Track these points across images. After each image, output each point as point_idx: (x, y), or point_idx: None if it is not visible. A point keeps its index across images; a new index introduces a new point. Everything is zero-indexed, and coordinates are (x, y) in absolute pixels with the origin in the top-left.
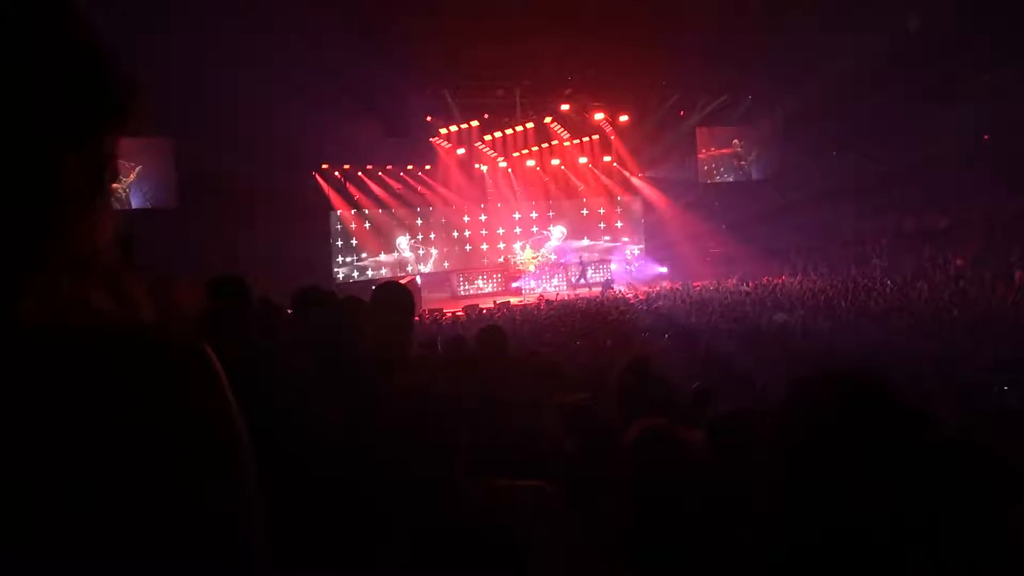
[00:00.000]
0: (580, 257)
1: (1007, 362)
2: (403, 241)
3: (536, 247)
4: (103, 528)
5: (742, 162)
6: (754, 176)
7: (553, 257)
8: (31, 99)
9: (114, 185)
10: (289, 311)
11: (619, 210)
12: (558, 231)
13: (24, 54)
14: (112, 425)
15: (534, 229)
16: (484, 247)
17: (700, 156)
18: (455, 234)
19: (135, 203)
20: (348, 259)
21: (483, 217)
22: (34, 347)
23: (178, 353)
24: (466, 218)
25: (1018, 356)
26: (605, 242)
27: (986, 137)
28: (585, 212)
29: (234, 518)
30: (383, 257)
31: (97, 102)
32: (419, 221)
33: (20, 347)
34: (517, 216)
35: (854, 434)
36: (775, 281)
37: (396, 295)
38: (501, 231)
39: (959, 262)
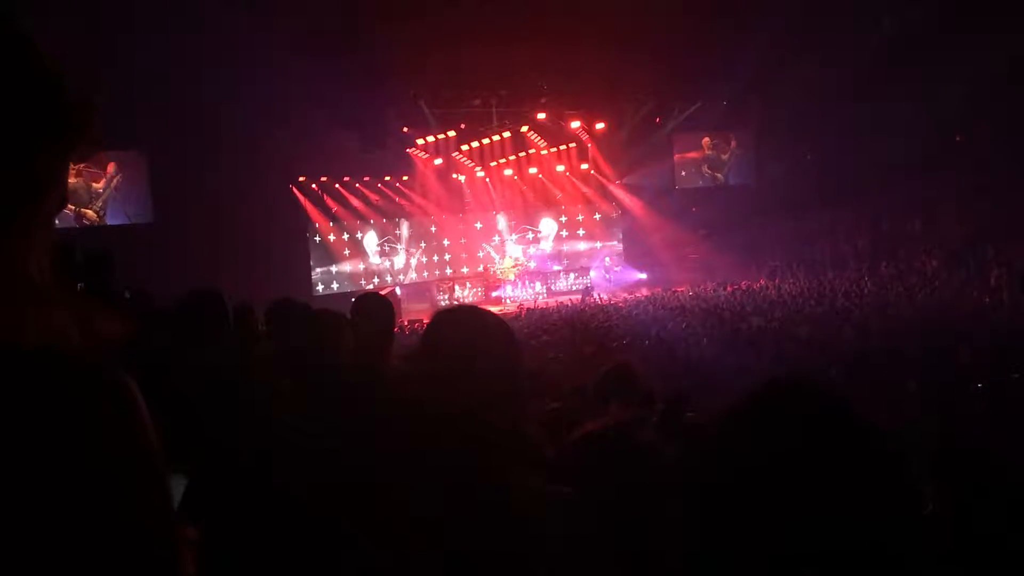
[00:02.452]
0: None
1: (985, 362)
2: (371, 242)
3: (524, 249)
4: (16, 558)
5: (718, 167)
6: (730, 181)
7: (533, 264)
8: None
9: (62, 210)
10: (265, 324)
11: (597, 217)
12: (549, 225)
13: None
14: (23, 456)
15: (528, 230)
16: (463, 256)
17: (676, 162)
18: (434, 244)
19: (112, 220)
20: (327, 271)
21: (462, 226)
22: None
23: (92, 381)
24: (440, 228)
25: (995, 356)
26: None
27: (958, 139)
28: (564, 219)
29: (147, 545)
30: (362, 268)
31: (36, 120)
32: (398, 232)
33: None
34: (497, 226)
35: (804, 448)
36: (753, 286)
37: (375, 307)
38: (479, 229)
39: (934, 263)
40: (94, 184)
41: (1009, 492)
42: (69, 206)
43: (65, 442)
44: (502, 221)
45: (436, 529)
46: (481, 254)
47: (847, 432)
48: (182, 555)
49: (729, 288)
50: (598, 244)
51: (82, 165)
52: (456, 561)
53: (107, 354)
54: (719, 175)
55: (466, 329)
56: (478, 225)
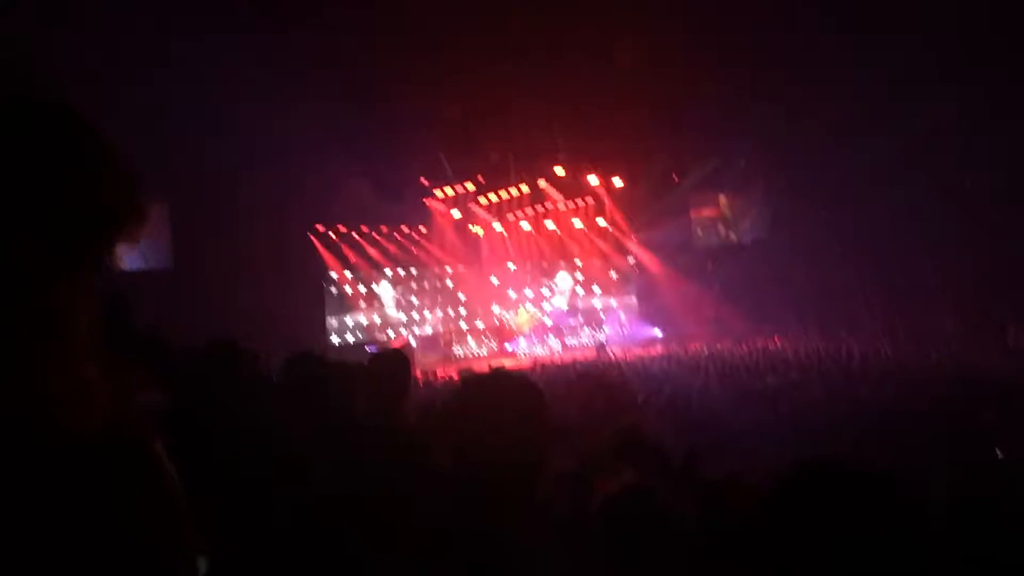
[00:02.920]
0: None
1: (1005, 423)
2: (387, 292)
3: (538, 303)
4: None
5: (734, 226)
6: (747, 240)
7: (549, 322)
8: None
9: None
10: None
11: (613, 273)
12: (565, 279)
13: (20, 151)
14: (62, 525)
15: (544, 284)
16: (478, 308)
17: (693, 219)
18: (449, 295)
19: (131, 265)
20: (342, 320)
21: (477, 278)
22: None
23: (123, 454)
24: (456, 279)
25: (1015, 418)
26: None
27: (967, 185)
28: (580, 276)
29: None
30: (377, 319)
31: (88, 201)
32: (413, 284)
33: None
34: (512, 278)
35: (847, 526)
36: (768, 344)
37: (389, 362)
38: (495, 283)
39: (950, 322)
40: None
41: None
42: None
43: (101, 513)
44: (517, 274)
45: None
46: (496, 307)
47: (892, 512)
48: None
49: (744, 346)
50: (613, 300)
51: None
52: None
53: (139, 415)
54: (735, 233)
55: (502, 400)
56: (494, 279)
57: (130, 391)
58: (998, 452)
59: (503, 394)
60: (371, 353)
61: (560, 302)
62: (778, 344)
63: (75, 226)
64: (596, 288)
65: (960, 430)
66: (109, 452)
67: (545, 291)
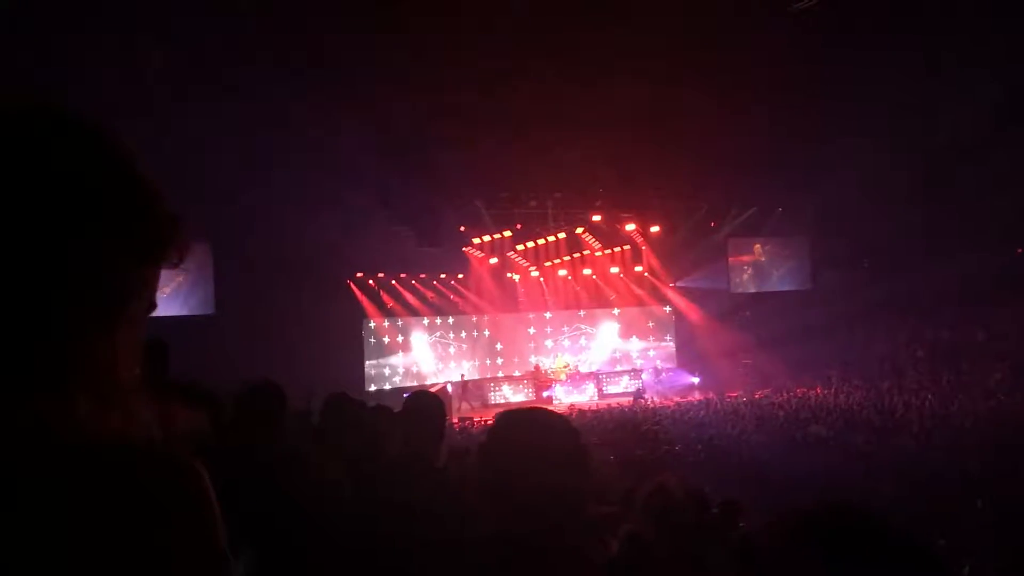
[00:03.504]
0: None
1: None
2: (423, 338)
3: (576, 351)
4: None
5: (772, 273)
6: (785, 287)
7: (585, 365)
8: (64, 234)
9: (151, 313)
10: (320, 418)
11: (650, 320)
12: (604, 327)
13: (64, 188)
14: (106, 542)
15: (581, 331)
16: (515, 355)
17: (731, 265)
18: (486, 342)
19: (173, 311)
20: (380, 366)
21: (515, 325)
22: (34, 465)
23: (170, 474)
24: (493, 326)
25: None
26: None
27: (1019, 251)
28: (618, 323)
29: None
30: (414, 365)
31: (131, 237)
32: (451, 331)
33: (28, 464)
34: (548, 326)
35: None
36: (809, 393)
37: (425, 403)
38: (532, 330)
39: (997, 376)
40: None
41: None
42: None
43: (144, 531)
44: (554, 321)
45: None
46: (533, 353)
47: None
48: None
49: (785, 395)
50: (651, 347)
51: None
52: None
53: (182, 445)
54: (773, 280)
55: (532, 429)
56: (531, 327)
57: (172, 420)
58: None
59: (540, 431)
60: (407, 396)
61: (597, 349)
62: (819, 393)
63: (115, 254)
64: (634, 335)
65: (1009, 486)
66: (154, 466)
67: (582, 339)
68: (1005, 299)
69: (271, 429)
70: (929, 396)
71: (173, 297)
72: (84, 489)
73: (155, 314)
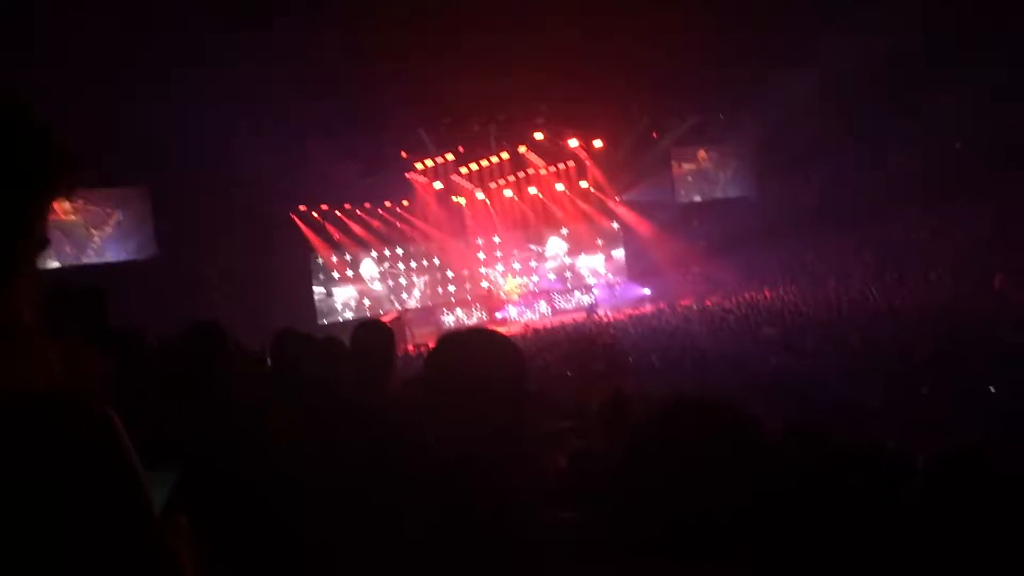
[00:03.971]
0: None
1: (991, 364)
2: (373, 268)
3: (526, 270)
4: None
5: (717, 181)
6: (731, 194)
7: (536, 282)
8: None
9: (45, 249)
10: (269, 354)
11: (598, 234)
12: (552, 245)
13: None
14: (11, 488)
15: (531, 250)
16: (466, 278)
17: (675, 176)
18: (437, 267)
19: (112, 256)
20: (330, 299)
21: (464, 249)
22: None
23: (77, 419)
24: (442, 251)
25: (1001, 359)
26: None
27: (957, 145)
28: (565, 232)
29: (135, 558)
30: (365, 295)
31: (11, 167)
32: (400, 258)
33: None
34: (498, 245)
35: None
36: (757, 298)
37: (374, 335)
38: (482, 258)
39: (938, 271)
40: (93, 229)
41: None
42: (68, 245)
43: (52, 478)
44: (503, 242)
45: (434, 554)
46: (484, 272)
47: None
48: (167, 557)
49: (734, 301)
50: (601, 262)
51: (82, 203)
52: None
53: (92, 390)
54: (718, 188)
55: (471, 352)
56: (481, 251)
57: (94, 367)
58: (991, 389)
59: (479, 349)
60: (355, 328)
61: (548, 267)
62: (768, 297)
63: None
64: (583, 251)
65: (947, 370)
66: (59, 415)
67: (532, 259)
68: (947, 197)
69: (217, 371)
70: (873, 293)
71: (111, 242)
72: None
73: (93, 260)
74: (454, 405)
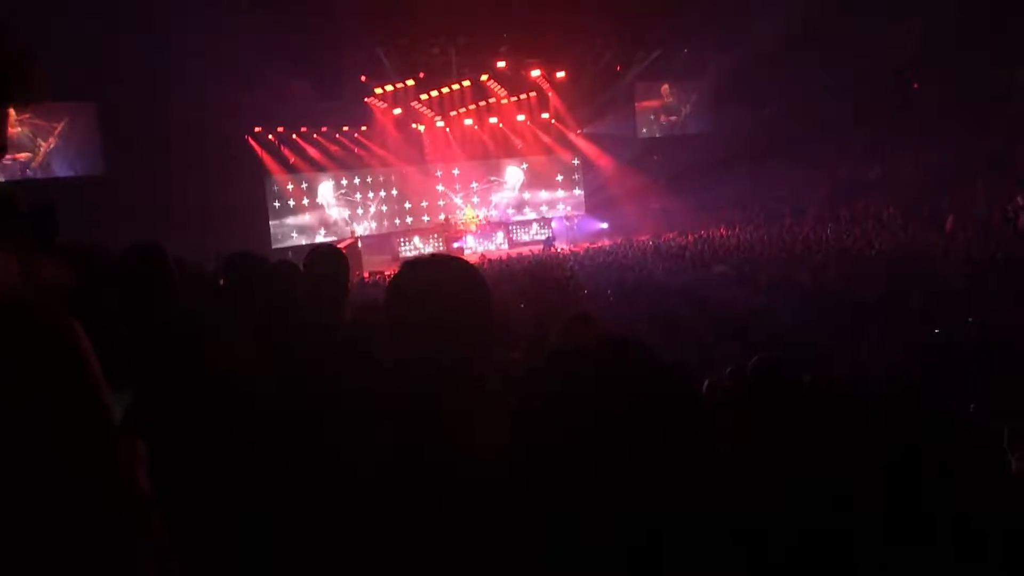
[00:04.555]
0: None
1: (939, 306)
2: (328, 193)
3: (485, 201)
4: None
5: (679, 116)
6: (691, 130)
7: (494, 214)
8: None
9: (16, 155)
10: (222, 277)
11: (558, 167)
12: (514, 174)
13: None
14: None
15: (490, 180)
16: (424, 207)
17: (638, 110)
18: (394, 194)
19: (60, 172)
20: (285, 223)
21: (422, 177)
22: None
23: (37, 324)
24: (400, 178)
25: (948, 301)
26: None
27: (915, 85)
28: (525, 167)
29: (98, 486)
30: (320, 220)
31: None
32: (357, 184)
33: None
34: (456, 175)
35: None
36: (713, 234)
37: (328, 259)
38: (441, 188)
39: (891, 210)
40: (39, 139)
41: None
42: (15, 155)
43: (15, 385)
44: (462, 171)
45: (394, 487)
46: (442, 203)
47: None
48: (128, 472)
49: (690, 237)
50: (560, 194)
51: (28, 116)
52: (412, 519)
53: (53, 300)
54: (679, 123)
55: (437, 278)
56: (439, 181)
57: (50, 279)
58: (935, 331)
59: (443, 274)
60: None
61: (507, 198)
62: (723, 234)
63: None
64: (542, 184)
65: (894, 309)
66: (19, 321)
67: (492, 190)
68: (899, 139)
69: (161, 292)
70: (827, 231)
71: (58, 158)
72: None
73: (40, 175)
74: (418, 330)
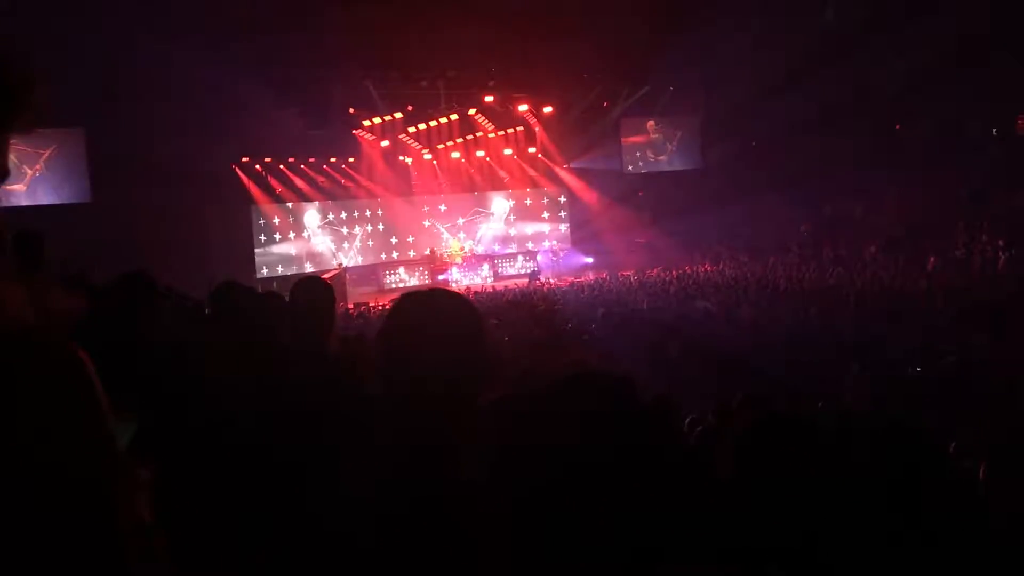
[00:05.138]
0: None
1: (918, 343)
2: (314, 224)
3: (471, 234)
4: None
5: (664, 152)
6: (677, 166)
7: (480, 247)
8: None
9: (4, 182)
10: (208, 307)
11: (544, 201)
12: (501, 205)
13: None
14: None
15: (476, 212)
16: (410, 239)
17: (624, 146)
18: (380, 227)
19: (46, 199)
20: (270, 253)
21: (408, 209)
22: None
23: (47, 355)
24: (386, 210)
25: (928, 338)
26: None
27: (897, 127)
28: (511, 203)
29: (100, 513)
30: (306, 251)
31: None
32: (343, 216)
33: None
34: (443, 208)
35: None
36: (698, 270)
37: (312, 291)
38: (425, 212)
39: (872, 249)
40: (25, 167)
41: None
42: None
43: (24, 418)
44: (448, 204)
45: (372, 516)
46: (427, 236)
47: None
48: (129, 499)
49: (674, 272)
50: (545, 228)
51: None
52: (390, 549)
53: (60, 330)
54: (665, 160)
55: (433, 311)
56: (426, 212)
57: (47, 306)
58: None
59: (440, 310)
60: (294, 284)
61: (492, 231)
62: (708, 269)
63: None
64: (528, 218)
65: (880, 351)
66: (29, 352)
67: (478, 222)
68: (882, 179)
69: (148, 321)
70: (809, 269)
71: (42, 182)
72: None
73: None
74: (415, 361)
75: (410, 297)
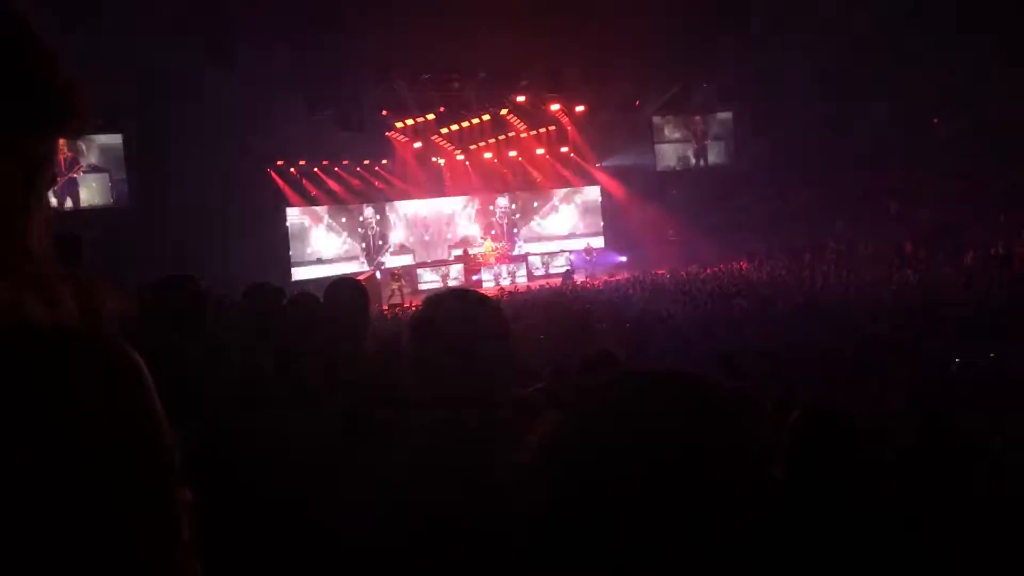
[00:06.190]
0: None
1: (959, 340)
2: (347, 222)
3: (505, 234)
4: (21, 534)
5: (698, 150)
6: (711, 163)
7: (517, 247)
8: None
9: (54, 187)
10: (240, 309)
11: (578, 200)
12: (534, 206)
13: None
14: (33, 429)
15: (509, 213)
16: (444, 240)
17: (657, 144)
18: (414, 227)
19: (86, 202)
20: (305, 255)
21: (442, 209)
22: None
23: (103, 356)
24: (420, 211)
25: (967, 335)
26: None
27: (935, 120)
28: (544, 204)
29: (155, 522)
30: (340, 253)
31: (29, 104)
32: (377, 217)
33: None
34: (476, 208)
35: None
36: (734, 268)
37: (349, 291)
38: (460, 221)
39: (908, 246)
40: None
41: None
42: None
43: (75, 423)
44: (481, 204)
45: (414, 515)
46: (461, 236)
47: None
48: (183, 521)
49: (709, 271)
50: (579, 227)
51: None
52: (432, 547)
53: (111, 331)
54: (698, 157)
55: (460, 314)
56: (458, 208)
57: (94, 303)
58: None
59: (466, 309)
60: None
61: (526, 231)
62: (744, 268)
63: (18, 121)
64: (562, 216)
65: (912, 348)
66: (84, 350)
67: (512, 223)
68: (919, 175)
69: (193, 324)
70: (846, 268)
71: (85, 188)
72: (5, 377)
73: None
74: (442, 363)
75: (438, 297)
